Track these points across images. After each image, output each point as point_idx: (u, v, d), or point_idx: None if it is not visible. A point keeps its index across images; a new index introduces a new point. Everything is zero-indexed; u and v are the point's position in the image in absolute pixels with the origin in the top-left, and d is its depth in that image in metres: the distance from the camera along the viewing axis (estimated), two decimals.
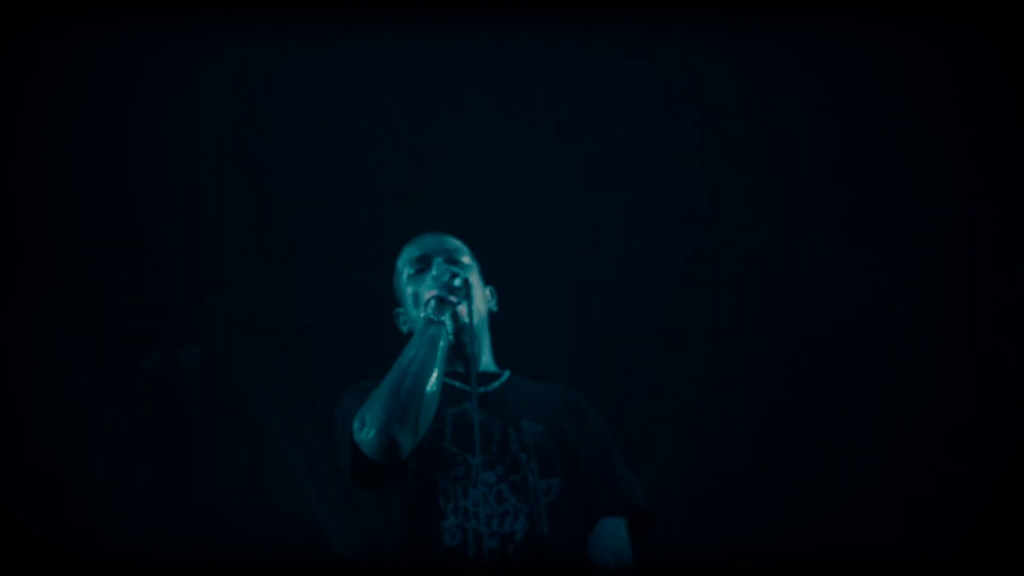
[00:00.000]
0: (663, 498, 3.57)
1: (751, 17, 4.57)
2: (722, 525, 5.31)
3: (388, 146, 5.16)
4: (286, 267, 5.56)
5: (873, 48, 4.77)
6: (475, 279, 3.34)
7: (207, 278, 5.53)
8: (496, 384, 3.28)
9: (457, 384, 3.22)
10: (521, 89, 5.02)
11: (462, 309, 3.20)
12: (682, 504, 5.12)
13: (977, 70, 4.80)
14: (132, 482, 5.48)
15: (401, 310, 3.42)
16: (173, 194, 5.21)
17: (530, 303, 5.00)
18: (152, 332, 5.63)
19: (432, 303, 3.16)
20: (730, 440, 5.43)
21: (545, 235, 5.43)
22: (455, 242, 3.45)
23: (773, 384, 5.40)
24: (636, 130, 5.12)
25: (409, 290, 3.35)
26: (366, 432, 2.98)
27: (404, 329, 3.40)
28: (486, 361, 3.35)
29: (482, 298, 3.36)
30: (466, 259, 3.41)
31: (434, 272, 3.24)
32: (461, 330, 3.23)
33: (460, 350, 3.25)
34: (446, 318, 3.14)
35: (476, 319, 3.28)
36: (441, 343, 3.08)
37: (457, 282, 3.20)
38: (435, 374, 3.02)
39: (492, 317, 3.42)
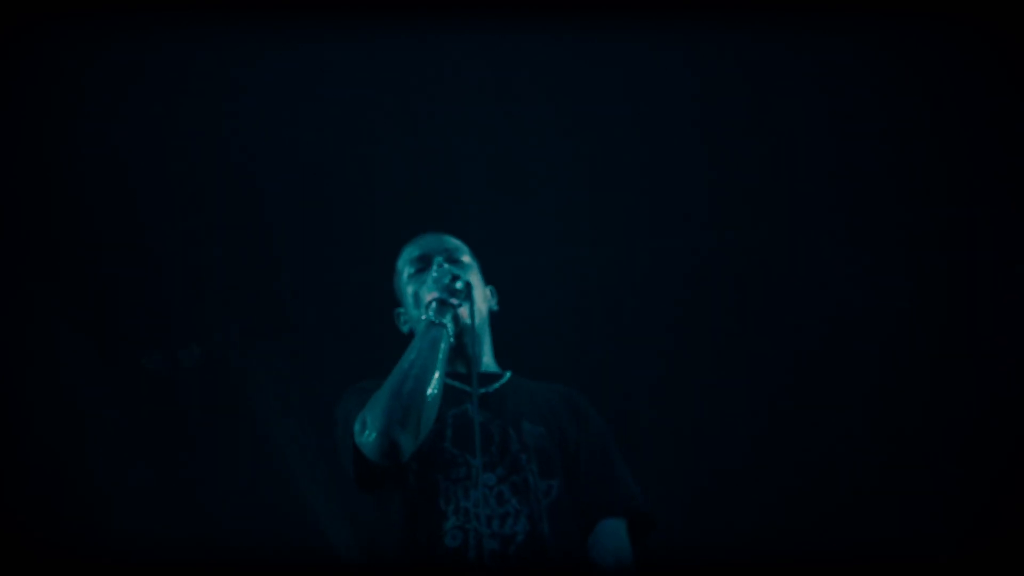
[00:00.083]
0: (663, 498, 3.57)
1: (752, 17, 4.57)
2: (722, 525, 5.31)
3: (388, 146, 5.16)
4: (286, 267, 5.55)
5: (874, 48, 4.77)
6: (475, 279, 3.34)
7: (207, 278, 5.53)
8: (497, 385, 3.28)
9: (458, 385, 3.22)
10: (521, 89, 5.02)
11: (463, 311, 3.19)
12: (682, 504, 5.11)
13: (978, 70, 4.79)
14: (131, 482, 5.48)
15: (401, 310, 3.42)
16: (173, 194, 5.21)
17: (530, 303, 4.99)
18: (152, 332, 5.62)
19: (433, 305, 3.16)
20: (730, 440, 5.43)
21: (545, 235, 5.42)
22: (455, 242, 3.45)
23: (773, 384, 5.40)
24: (637, 130, 5.11)
25: (409, 290, 3.35)
26: (367, 435, 2.98)
27: (404, 329, 3.40)
28: (487, 362, 3.35)
29: (483, 298, 3.36)
30: (466, 259, 3.40)
31: (435, 274, 3.23)
32: (462, 332, 3.22)
33: (461, 351, 3.25)
34: (447, 320, 3.13)
35: (477, 320, 3.27)
36: (442, 345, 3.08)
37: (459, 284, 3.19)
38: (436, 377, 3.02)
39: (493, 317, 3.42)
